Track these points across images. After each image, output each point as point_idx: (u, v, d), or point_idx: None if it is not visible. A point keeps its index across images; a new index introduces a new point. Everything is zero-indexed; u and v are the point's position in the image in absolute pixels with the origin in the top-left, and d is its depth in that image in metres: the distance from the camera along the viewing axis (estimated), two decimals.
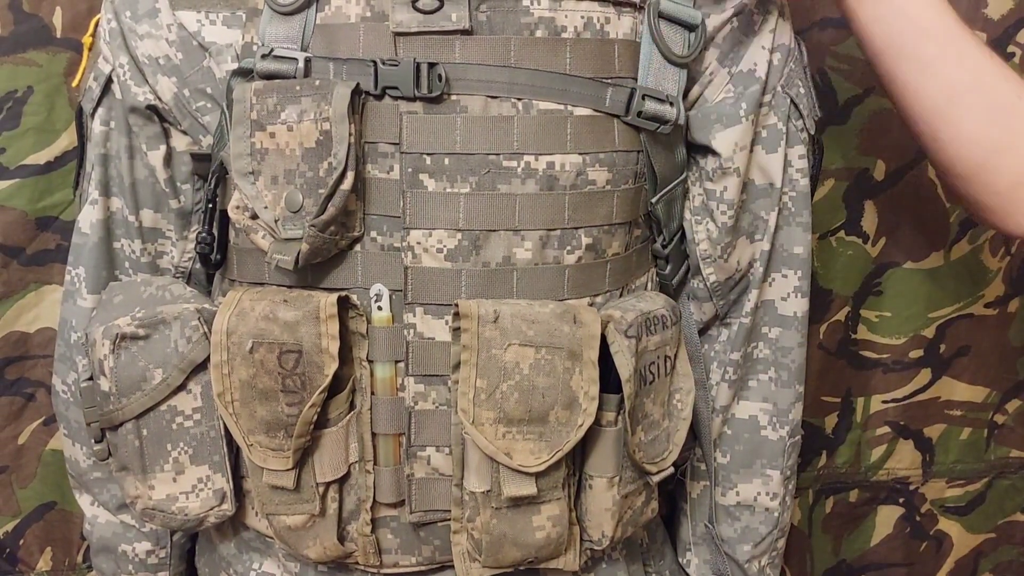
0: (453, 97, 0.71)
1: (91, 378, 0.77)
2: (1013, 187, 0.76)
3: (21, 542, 1.11)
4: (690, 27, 0.75)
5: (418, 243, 0.72)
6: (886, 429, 1.26)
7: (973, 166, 0.77)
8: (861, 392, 1.25)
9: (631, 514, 0.79)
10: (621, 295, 0.79)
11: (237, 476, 0.79)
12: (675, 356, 0.79)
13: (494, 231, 0.72)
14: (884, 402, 1.25)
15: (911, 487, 1.30)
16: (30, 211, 1.02)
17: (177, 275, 0.84)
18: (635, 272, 0.81)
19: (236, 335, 0.71)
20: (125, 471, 0.78)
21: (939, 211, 1.17)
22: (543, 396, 0.71)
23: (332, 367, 0.71)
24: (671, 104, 0.74)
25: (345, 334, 0.72)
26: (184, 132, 0.78)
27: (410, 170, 0.71)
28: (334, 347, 0.70)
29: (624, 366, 0.72)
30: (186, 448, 0.76)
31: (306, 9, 0.71)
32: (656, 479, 0.79)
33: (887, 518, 1.31)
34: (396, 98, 0.70)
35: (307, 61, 0.70)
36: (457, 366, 0.71)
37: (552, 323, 0.71)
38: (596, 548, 0.78)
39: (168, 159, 0.80)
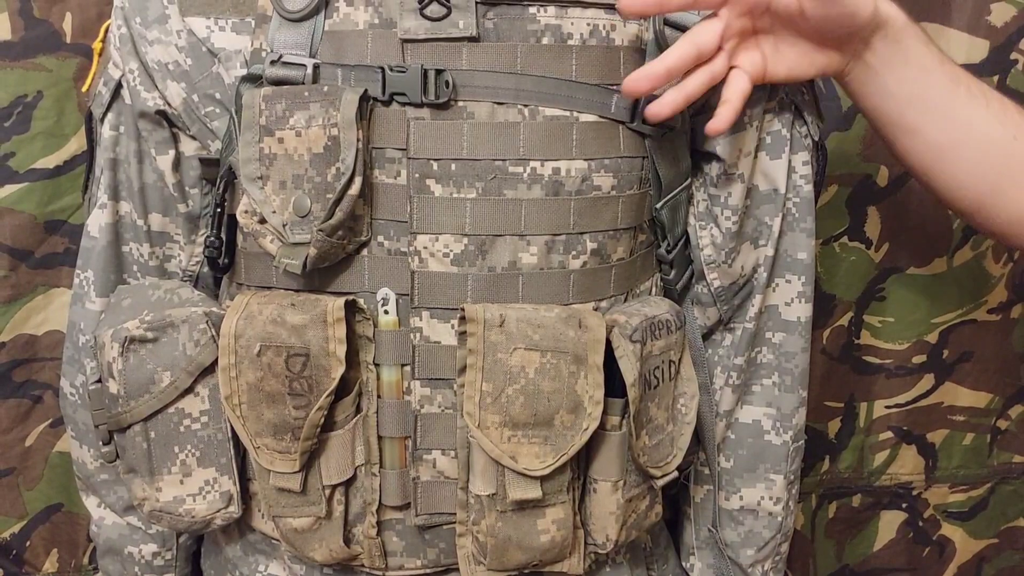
0: (460, 103, 0.71)
1: (99, 380, 0.78)
2: (1011, 223, 0.78)
3: (27, 544, 1.12)
4: None
5: (425, 248, 0.73)
6: (889, 434, 1.26)
7: (970, 206, 0.79)
8: (864, 397, 1.25)
9: (635, 518, 0.79)
10: (626, 300, 0.79)
11: (244, 478, 0.79)
12: (679, 361, 0.80)
13: (500, 236, 0.73)
14: (887, 407, 1.25)
15: (914, 492, 1.30)
16: (39, 215, 1.03)
17: (185, 279, 0.85)
18: (640, 277, 0.81)
19: (244, 338, 0.71)
20: (133, 473, 0.78)
21: (942, 217, 1.18)
22: (548, 400, 0.71)
23: (339, 370, 0.71)
24: None
25: (352, 338, 0.72)
26: (193, 137, 0.78)
27: (417, 175, 0.72)
28: (341, 351, 0.71)
29: (629, 370, 0.73)
30: (193, 450, 0.77)
31: (315, 16, 0.71)
32: (660, 483, 0.79)
33: (890, 523, 1.31)
34: (404, 104, 0.71)
35: (315, 67, 0.71)
36: (463, 370, 0.72)
37: (557, 327, 0.71)
38: (600, 551, 0.78)
39: (177, 164, 0.80)
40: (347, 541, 0.77)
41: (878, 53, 0.74)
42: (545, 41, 0.72)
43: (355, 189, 0.69)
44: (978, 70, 1.10)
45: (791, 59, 0.74)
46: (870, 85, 0.76)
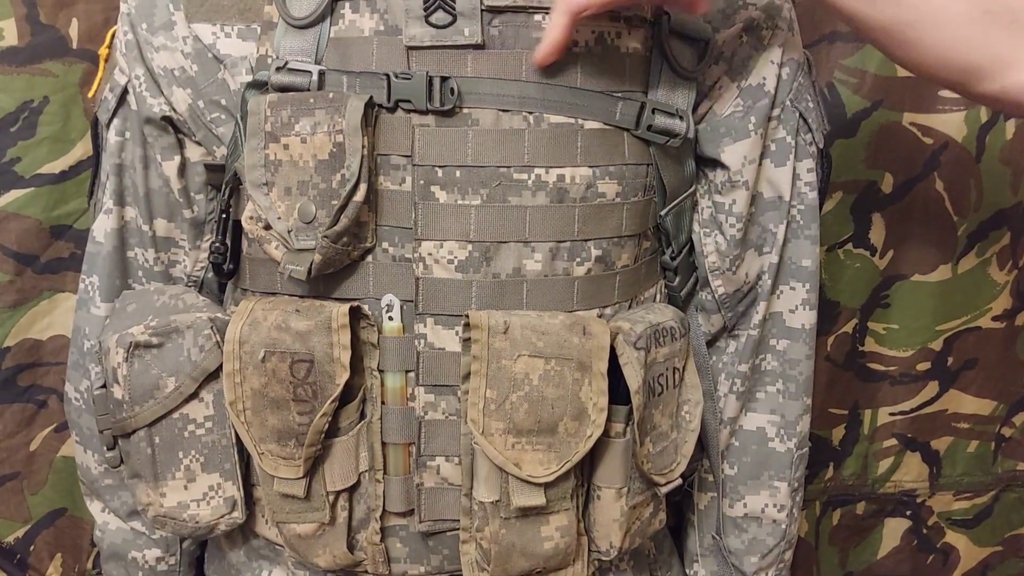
0: (465, 110, 0.71)
1: (104, 386, 0.78)
2: (1005, 95, 0.74)
3: (31, 548, 1.12)
4: (700, 42, 0.76)
5: (429, 254, 0.73)
6: (893, 441, 1.26)
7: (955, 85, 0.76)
8: (868, 404, 1.25)
9: (639, 525, 0.79)
10: (630, 307, 0.79)
11: (248, 484, 0.79)
12: (683, 368, 0.80)
13: (504, 243, 0.73)
14: (891, 414, 1.25)
15: (918, 500, 1.30)
16: (44, 220, 1.03)
17: (189, 284, 0.85)
18: (644, 284, 0.81)
19: (248, 344, 0.72)
20: (137, 478, 0.78)
21: (947, 224, 1.18)
22: (552, 407, 0.71)
23: (343, 377, 0.71)
24: (681, 118, 0.75)
25: (356, 344, 0.73)
26: (198, 143, 0.79)
27: (422, 182, 0.72)
28: (345, 357, 0.71)
29: (633, 377, 0.73)
30: (198, 456, 0.77)
31: (320, 23, 0.72)
32: (664, 490, 0.79)
33: (894, 531, 1.31)
34: (408, 111, 0.71)
35: (321, 74, 0.71)
36: (467, 376, 0.72)
37: (562, 334, 0.71)
38: (604, 558, 0.78)
39: (182, 169, 0.80)
40: (351, 547, 0.77)
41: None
42: None
43: (360, 196, 0.69)
44: None
45: None
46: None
